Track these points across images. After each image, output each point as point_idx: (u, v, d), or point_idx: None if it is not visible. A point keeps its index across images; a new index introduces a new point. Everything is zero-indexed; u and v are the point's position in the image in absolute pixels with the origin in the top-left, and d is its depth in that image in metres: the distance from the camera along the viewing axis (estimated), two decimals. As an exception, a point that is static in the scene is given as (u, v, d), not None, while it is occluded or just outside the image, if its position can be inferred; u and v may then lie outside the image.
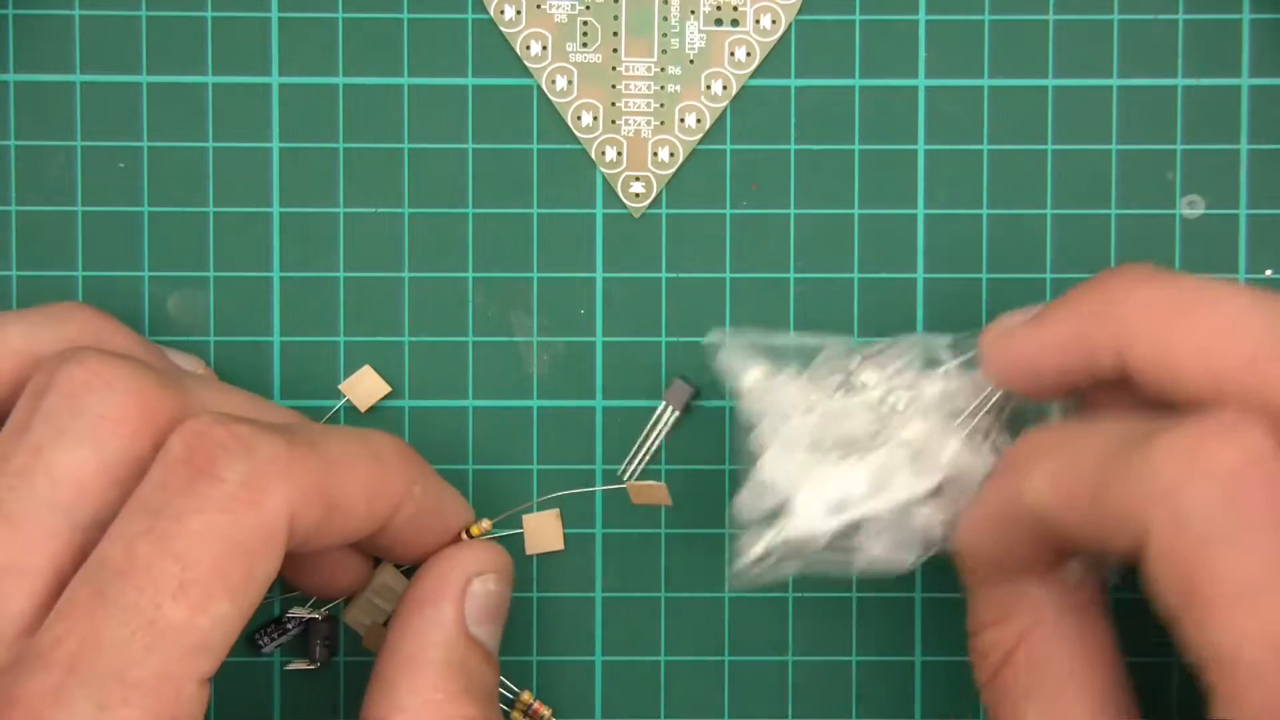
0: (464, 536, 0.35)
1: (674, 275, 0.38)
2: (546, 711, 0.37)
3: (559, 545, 0.38)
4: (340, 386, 0.37)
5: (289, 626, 0.37)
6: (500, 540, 0.36)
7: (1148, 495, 0.25)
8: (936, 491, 0.33)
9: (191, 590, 0.26)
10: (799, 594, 0.38)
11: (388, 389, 0.37)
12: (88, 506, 0.28)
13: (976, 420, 0.33)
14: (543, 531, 0.37)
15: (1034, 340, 0.30)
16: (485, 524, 0.35)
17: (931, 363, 0.33)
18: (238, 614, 0.27)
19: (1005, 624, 0.31)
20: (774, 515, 0.33)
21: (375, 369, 0.38)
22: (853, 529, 0.33)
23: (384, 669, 0.32)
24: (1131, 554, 0.26)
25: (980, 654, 0.31)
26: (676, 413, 0.37)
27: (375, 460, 0.30)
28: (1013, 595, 0.31)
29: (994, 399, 0.33)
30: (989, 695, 0.31)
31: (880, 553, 0.33)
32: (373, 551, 0.35)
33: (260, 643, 0.37)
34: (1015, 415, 0.33)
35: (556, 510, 0.37)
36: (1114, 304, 0.29)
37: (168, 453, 0.28)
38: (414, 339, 0.38)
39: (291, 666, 0.37)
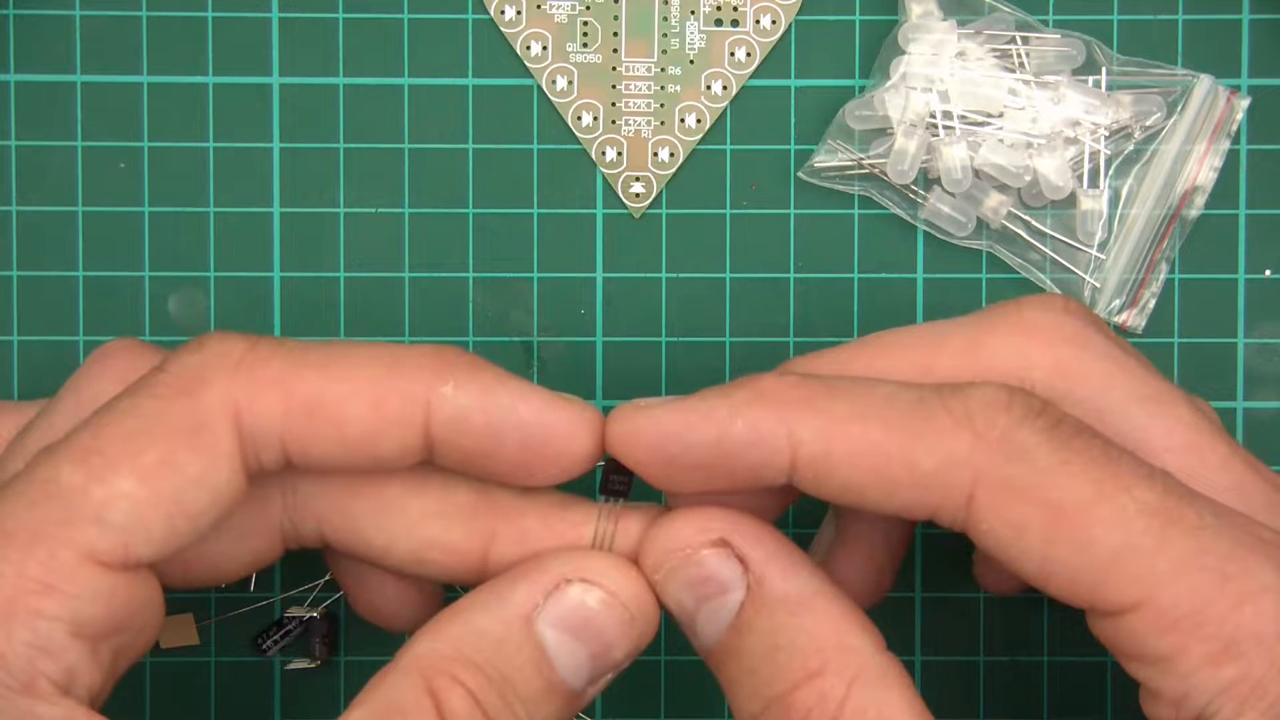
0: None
1: (674, 275, 0.38)
2: None
3: (194, 640, 0.38)
4: (340, 386, 0.37)
5: (289, 627, 0.37)
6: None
7: (971, 446, 0.25)
8: (1014, 183, 0.37)
9: (93, 458, 0.25)
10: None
11: (388, 389, 0.37)
12: None
13: (1082, 151, 0.36)
14: (176, 629, 0.37)
15: (688, 420, 0.27)
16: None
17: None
18: (148, 498, 0.25)
19: (824, 675, 0.26)
20: (874, 135, 0.37)
21: (375, 369, 0.38)
22: (934, 181, 0.37)
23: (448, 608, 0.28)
24: (933, 507, 0.26)
25: None
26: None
27: (386, 362, 0.27)
28: (828, 631, 0.27)
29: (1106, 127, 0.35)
30: None
31: (946, 211, 0.37)
32: (473, 474, 0.29)
33: (263, 645, 0.37)
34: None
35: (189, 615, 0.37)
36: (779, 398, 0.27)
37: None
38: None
39: (292, 666, 0.37)
